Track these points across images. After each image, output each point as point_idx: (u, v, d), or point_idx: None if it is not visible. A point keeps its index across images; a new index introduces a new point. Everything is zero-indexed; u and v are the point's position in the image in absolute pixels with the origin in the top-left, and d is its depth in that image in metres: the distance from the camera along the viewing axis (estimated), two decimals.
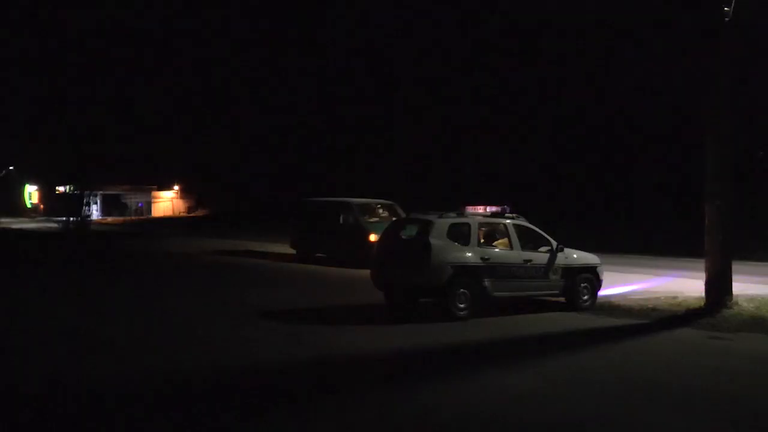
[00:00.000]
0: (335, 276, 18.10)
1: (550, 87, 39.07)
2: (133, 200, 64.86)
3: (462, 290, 11.57)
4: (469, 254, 11.83)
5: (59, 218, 37.77)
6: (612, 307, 12.76)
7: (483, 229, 12.40)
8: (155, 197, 66.06)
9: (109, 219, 57.56)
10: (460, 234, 11.99)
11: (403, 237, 12.81)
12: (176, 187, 66.49)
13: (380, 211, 21.38)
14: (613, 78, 35.03)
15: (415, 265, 11.61)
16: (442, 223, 11.97)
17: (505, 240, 12.50)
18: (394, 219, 17.70)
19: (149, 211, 64.79)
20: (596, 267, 13.15)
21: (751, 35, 18.78)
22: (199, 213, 62.13)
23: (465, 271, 11.69)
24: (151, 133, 62.26)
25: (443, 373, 8.11)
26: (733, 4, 11.77)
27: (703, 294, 12.43)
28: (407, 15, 47.70)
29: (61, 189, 47.92)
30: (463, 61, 44.07)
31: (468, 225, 12.11)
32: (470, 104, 42.71)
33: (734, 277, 12.44)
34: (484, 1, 43.70)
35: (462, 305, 11.55)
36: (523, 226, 12.74)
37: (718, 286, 12.12)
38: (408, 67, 47.28)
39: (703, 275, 12.51)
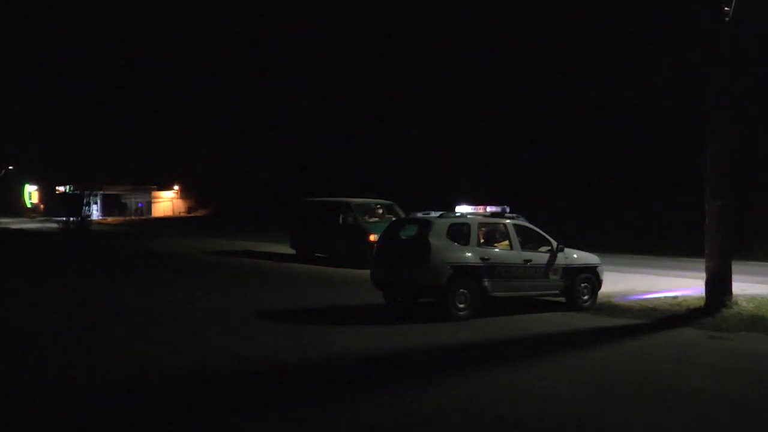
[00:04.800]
0: (335, 276, 18.09)
1: (550, 85, 39.04)
2: (133, 200, 64.90)
3: (462, 290, 11.56)
4: (469, 254, 11.81)
5: (59, 218, 37.78)
6: (612, 307, 12.75)
7: (483, 229, 12.39)
8: (155, 197, 66.09)
9: (110, 219, 57.58)
10: (459, 234, 11.98)
11: (403, 237, 12.80)
12: (176, 187, 66.52)
13: (379, 211, 21.41)
14: (613, 76, 35.01)
15: (415, 265, 11.60)
16: (442, 223, 11.96)
17: (505, 240, 12.49)
18: (393, 219, 17.71)
19: (149, 211, 64.81)
20: (596, 267, 13.15)
21: (751, 35, 18.76)
22: (199, 213, 62.16)
23: (464, 271, 11.67)
24: (151, 133, 62.33)
25: (443, 373, 8.10)
26: (733, 4, 11.76)
27: (703, 294, 12.42)
28: (407, 15, 47.70)
29: (61, 189, 47.99)
30: (463, 59, 44.07)
31: (468, 225, 12.11)
32: (469, 103, 42.70)
33: (734, 277, 12.44)
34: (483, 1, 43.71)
35: (462, 305, 11.54)
36: (523, 226, 12.73)
37: (718, 286, 12.11)
38: (407, 66, 47.27)
39: (703, 275, 12.51)
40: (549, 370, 8.21)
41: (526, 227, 12.77)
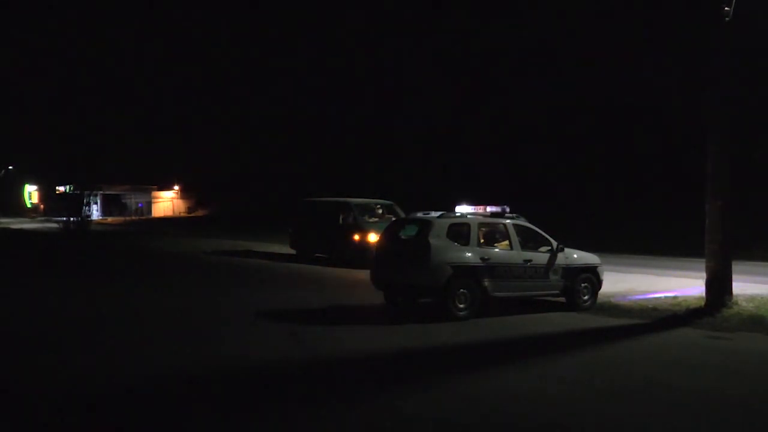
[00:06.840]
0: (335, 276, 18.09)
1: (549, 84, 39.03)
2: (133, 200, 64.88)
3: (462, 290, 11.56)
4: (469, 254, 11.81)
5: (59, 218, 37.79)
6: (612, 307, 12.75)
7: (483, 229, 12.38)
8: (155, 197, 66.07)
9: (109, 219, 57.57)
10: (459, 234, 11.97)
11: (403, 237, 12.79)
12: (176, 187, 66.50)
13: (379, 211, 21.40)
14: (613, 76, 35.01)
15: (415, 265, 11.60)
16: (442, 223, 11.96)
17: (505, 240, 12.49)
18: (393, 219, 17.70)
19: (149, 211, 64.80)
20: (596, 267, 13.15)
21: (751, 34, 18.75)
22: (199, 213, 62.15)
23: (464, 271, 11.67)
24: (151, 133, 62.36)
25: (442, 374, 8.10)
26: (733, 4, 11.76)
27: (703, 294, 12.42)
28: (405, 18, 47.73)
29: (61, 189, 47.98)
30: (463, 59, 44.08)
31: (468, 225, 12.10)
32: (469, 102, 42.70)
33: (734, 277, 12.44)
34: (482, 1, 43.73)
35: (462, 305, 11.53)
36: (523, 226, 12.73)
37: (718, 286, 12.11)
38: (406, 67, 47.27)
39: (703, 275, 12.51)
40: (549, 371, 8.21)
41: (526, 227, 12.76)
